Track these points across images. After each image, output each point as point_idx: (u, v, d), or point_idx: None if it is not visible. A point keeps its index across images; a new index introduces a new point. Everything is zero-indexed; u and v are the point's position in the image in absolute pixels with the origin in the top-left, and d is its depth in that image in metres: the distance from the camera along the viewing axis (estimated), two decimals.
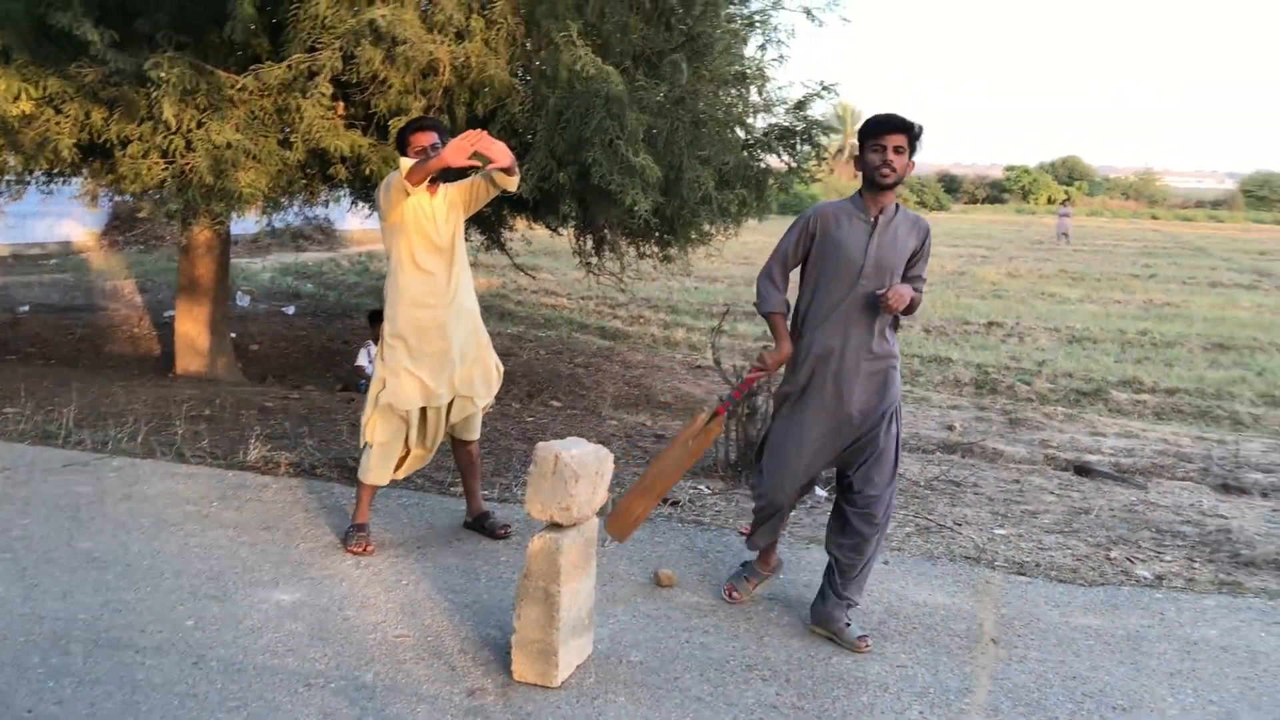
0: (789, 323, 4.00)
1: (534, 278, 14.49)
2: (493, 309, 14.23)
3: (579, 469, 3.29)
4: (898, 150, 3.70)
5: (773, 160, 7.94)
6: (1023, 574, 4.75)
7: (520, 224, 9.67)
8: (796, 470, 3.92)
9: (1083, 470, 7.21)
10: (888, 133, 3.71)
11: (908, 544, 5.09)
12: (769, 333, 4.07)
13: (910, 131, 3.71)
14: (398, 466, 4.61)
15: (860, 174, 3.81)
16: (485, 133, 4.17)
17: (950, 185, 69.98)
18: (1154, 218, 61.80)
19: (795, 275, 4.03)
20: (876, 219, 3.80)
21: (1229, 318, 16.89)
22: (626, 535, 4.14)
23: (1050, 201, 63.24)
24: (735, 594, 4.22)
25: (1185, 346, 14.01)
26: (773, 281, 3.94)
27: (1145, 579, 4.83)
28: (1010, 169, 74.03)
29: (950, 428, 8.77)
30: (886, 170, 3.71)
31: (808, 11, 7.59)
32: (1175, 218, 62.35)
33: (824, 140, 7.96)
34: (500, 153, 4.25)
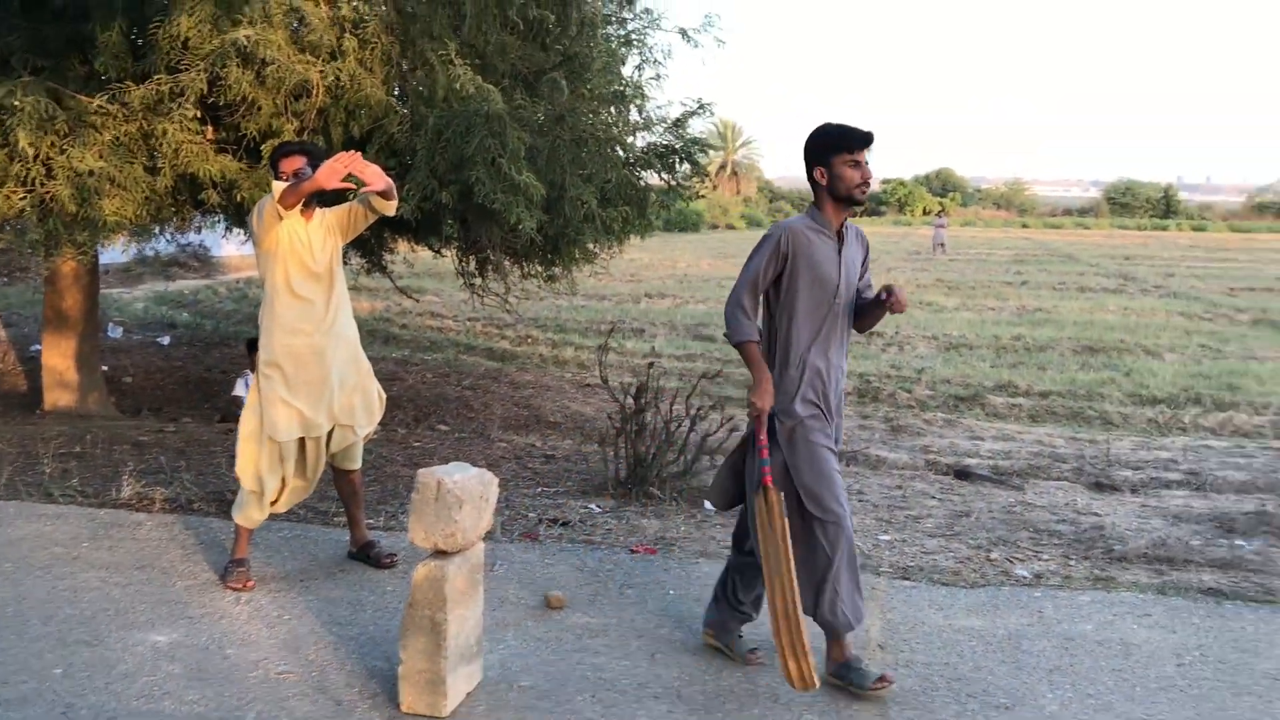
0: (769, 348, 3.77)
1: (417, 300, 14.31)
2: (377, 333, 14.01)
3: (462, 494, 3.24)
4: (867, 164, 3.62)
5: (654, 178, 8.00)
6: (907, 579, 4.85)
7: (403, 246, 9.54)
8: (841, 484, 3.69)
9: (963, 474, 7.42)
10: (862, 147, 3.61)
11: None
12: (731, 360, 3.92)
13: (872, 142, 3.64)
14: (276, 499, 4.48)
15: (826, 187, 3.65)
16: (359, 155, 4.11)
17: None
18: (1024, 226, 64.01)
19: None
20: (840, 234, 3.71)
21: (1097, 321, 17.56)
22: (810, 671, 3.46)
23: (926, 213, 65.00)
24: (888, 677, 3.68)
25: (1057, 350, 14.51)
26: (744, 309, 3.65)
27: (1024, 578, 4.97)
28: (887, 182, 75.93)
29: None
30: (866, 187, 3.62)
31: (683, 32, 7.68)
32: (1044, 226, 64.69)
33: (702, 158, 8.05)
34: (374, 176, 4.17)
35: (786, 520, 3.54)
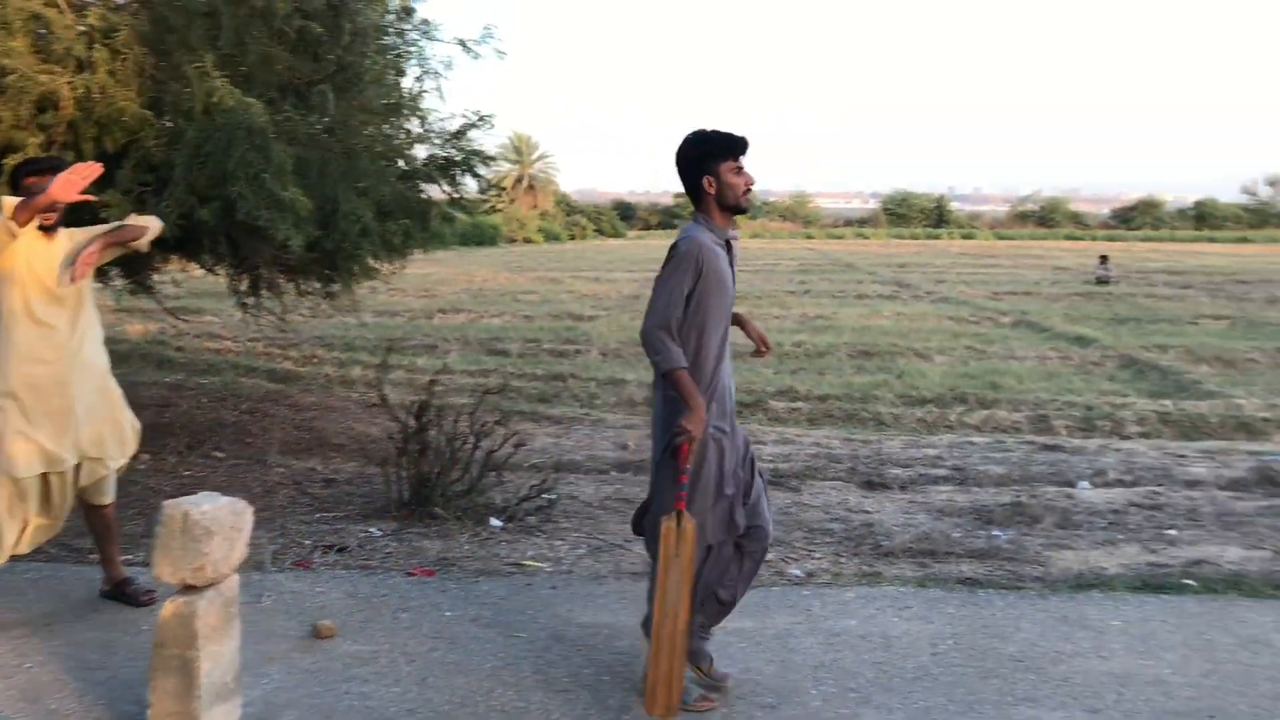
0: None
1: (187, 321, 13.64)
2: (150, 357, 13.28)
3: (211, 525, 3.10)
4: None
5: (438, 192, 7.90)
6: None
7: (175, 264, 9.08)
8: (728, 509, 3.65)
9: None
10: (744, 152, 3.56)
11: (578, 565, 5.18)
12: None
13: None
14: (18, 540, 4.17)
15: (714, 196, 3.57)
16: (100, 167, 3.88)
17: (625, 213, 72.30)
18: (809, 237, 66.30)
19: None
20: (728, 242, 3.66)
21: (873, 326, 18.35)
22: (675, 709, 3.42)
23: None
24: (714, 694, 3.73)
25: (835, 355, 15.07)
26: (670, 333, 3.46)
27: (796, 577, 5.15)
28: (680, 195, 77.01)
29: (624, 447, 9.01)
30: (750, 193, 3.58)
31: (462, 43, 7.61)
32: (827, 236, 67.19)
33: (484, 170, 7.99)
34: (85, 261, 4.09)
35: (696, 550, 3.45)
